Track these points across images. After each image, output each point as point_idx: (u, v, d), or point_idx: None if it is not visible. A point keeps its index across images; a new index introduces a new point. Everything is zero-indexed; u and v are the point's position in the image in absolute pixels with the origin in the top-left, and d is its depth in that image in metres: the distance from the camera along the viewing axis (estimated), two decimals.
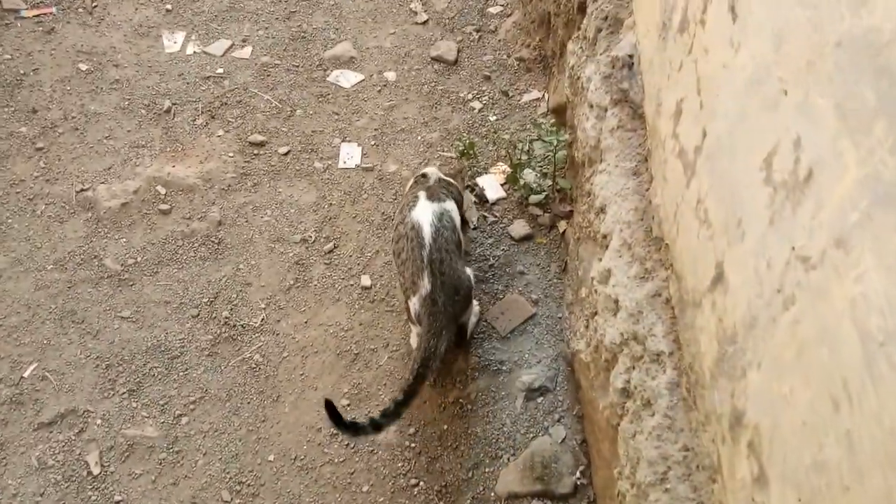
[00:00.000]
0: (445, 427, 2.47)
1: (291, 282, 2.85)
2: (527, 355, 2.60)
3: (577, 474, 2.31)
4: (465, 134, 3.24)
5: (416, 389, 2.20)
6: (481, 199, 3.04)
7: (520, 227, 2.92)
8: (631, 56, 2.08)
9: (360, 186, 3.12)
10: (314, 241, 2.96)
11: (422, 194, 2.52)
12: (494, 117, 3.33)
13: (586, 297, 2.15)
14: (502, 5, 3.77)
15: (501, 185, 3.08)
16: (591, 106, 2.20)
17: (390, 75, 3.51)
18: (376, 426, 2.16)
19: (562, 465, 2.32)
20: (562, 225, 2.91)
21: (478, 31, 3.69)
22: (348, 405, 2.54)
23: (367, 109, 3.38)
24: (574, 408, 2.45)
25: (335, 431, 2.40)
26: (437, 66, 3.54)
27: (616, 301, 1.83)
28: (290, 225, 3.01)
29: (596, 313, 1.99)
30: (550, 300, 2.74)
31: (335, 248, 2.94)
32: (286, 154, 3.23)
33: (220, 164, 3.18)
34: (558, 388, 2.51)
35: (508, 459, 2.39)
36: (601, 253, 2.04)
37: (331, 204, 3.07)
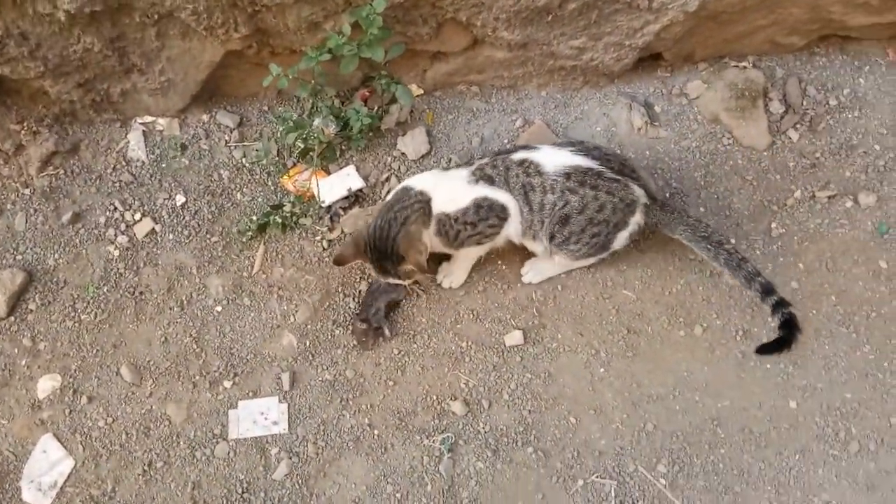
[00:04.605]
0: None
1: None
2: None
3: None
4: (231, 229, 2.24)
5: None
6: (356, 199, 2.23)
7: (412, 145, 2.23)
8: None
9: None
10: None
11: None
12: (179, 199, 2.23)
13: None
14: None
15: (322, 171, 2.25)
16: None
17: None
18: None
19: None
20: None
21: None
22: None
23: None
24: None
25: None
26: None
27: None
28: None
29: None
30: None
31: None
32: None
33: None
34: None
35: None
36: None
37: None
